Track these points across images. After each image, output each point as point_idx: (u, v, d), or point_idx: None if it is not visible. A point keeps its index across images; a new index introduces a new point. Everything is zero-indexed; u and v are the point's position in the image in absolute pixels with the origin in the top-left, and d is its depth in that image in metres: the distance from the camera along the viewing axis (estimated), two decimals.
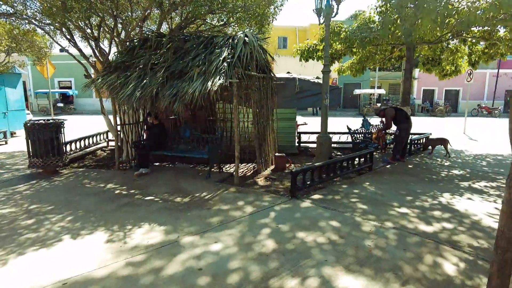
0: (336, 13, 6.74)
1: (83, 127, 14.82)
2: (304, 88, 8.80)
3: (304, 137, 9.87)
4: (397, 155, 7.66)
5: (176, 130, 7.25)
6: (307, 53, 10.21)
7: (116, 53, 6.82)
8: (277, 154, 7.25)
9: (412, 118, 8.27)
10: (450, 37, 9.41)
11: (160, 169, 6.91)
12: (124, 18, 6.91)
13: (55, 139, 6.25)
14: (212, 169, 6.33)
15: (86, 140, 8.64)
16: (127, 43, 6.77)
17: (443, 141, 8.39)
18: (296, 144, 9.31)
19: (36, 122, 6.17)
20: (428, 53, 10.56)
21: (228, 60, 5.24)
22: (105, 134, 9.57)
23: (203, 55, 5.44)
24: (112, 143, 9.66)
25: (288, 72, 10.02)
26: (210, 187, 5.47)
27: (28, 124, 6.06)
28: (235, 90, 5.31)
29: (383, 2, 9.20)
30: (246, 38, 5.59)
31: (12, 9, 7.00)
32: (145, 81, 5.37)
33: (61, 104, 24.16)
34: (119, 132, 7.05)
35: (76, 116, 22.17)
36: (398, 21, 8.91)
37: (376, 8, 9.62)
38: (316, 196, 5.05)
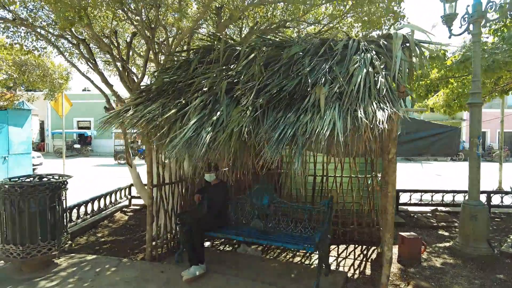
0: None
1: (97, 174, 12.53)
2: (408, 129, 6.19)
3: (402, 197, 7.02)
4: None
5: (245, 193, 4.54)
6: None
7: (155, 73, 4.42)
8: (403, 234, 4.44)
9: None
10: None
11: (216, 259, 4.17)
12: (162, 26, 4.61)
13: (50, 211, 3.68)
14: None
15: (102, 199, 6.06)
16: (175, 56, 4.41)
17: None
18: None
19: (19, 182, 3.66)
20: None
21: (384, 73, 2.70)
22: (127, 190, 7.02)
23: (326, 66, 2.92)
24: (135, 201, 7.09)
25: None
26: None
27: (6, 186, 3.54)
28: (394, 130, 2.71)
29: (500, 16, 6.84)
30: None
31: (12, 15, 4.85)
32: (219, 112, 2.84)
33: (78, 146, 22.37)
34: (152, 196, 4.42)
35: (93, 159, 20.10)
36: None
37: (491, 26, 7.25)
38: None
